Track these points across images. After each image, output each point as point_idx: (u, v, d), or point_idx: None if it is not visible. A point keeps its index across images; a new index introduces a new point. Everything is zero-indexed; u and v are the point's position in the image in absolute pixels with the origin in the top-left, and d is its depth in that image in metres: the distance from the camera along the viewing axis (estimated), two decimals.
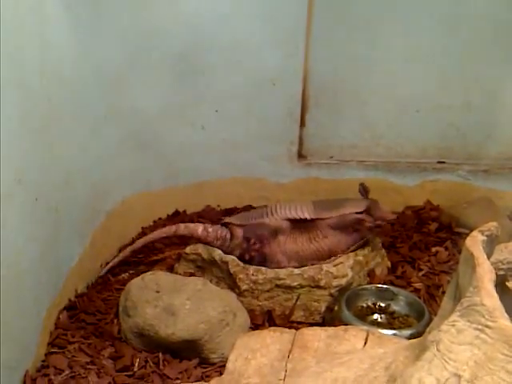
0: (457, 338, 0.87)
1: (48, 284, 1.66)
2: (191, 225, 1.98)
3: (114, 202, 2.11)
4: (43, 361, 1.57)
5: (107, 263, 2.03)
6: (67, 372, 1.53)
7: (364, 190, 1.94)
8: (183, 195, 2.36)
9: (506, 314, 0.84)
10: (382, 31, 2.24)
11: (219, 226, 1.95)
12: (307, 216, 1.86)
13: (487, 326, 0.84)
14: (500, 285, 0.95)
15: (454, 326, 0.88)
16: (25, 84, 1.45)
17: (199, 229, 1.94)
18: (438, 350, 0.88)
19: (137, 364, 1.57)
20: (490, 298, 0.85)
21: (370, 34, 2.24)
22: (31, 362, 1.51)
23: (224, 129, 2.30)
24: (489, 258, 0.96)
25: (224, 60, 2.18)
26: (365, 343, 1.31)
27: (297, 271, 1.79)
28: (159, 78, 2.14)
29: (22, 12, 1.44)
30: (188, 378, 1.53)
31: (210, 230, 1.93)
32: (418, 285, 1.92)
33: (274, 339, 1.36)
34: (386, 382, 0.98)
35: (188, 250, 1.94)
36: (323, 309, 1.78)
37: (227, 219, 1.97)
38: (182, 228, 1.97)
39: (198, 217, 2.35)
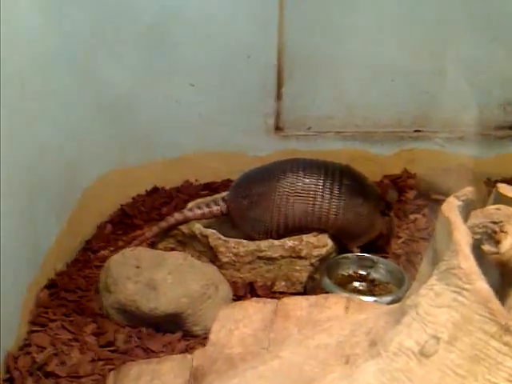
0: (435, 301, 0.88)
1: (27, 263, 1.64)
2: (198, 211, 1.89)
3: (90, 179, 2.09)
4: (25, 339, 1.56)
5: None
6: (49, 349, 1.52)
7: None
8: (161, 171, 2.34)
9: (482, 277, 0.85)
10: (355, 0, 2.22)
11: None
12: None
13: (464, 289, 0.85)
14: (476, 249, 0.96)
15: (432, 289, 0.90)
16: None
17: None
18: (417, 313, 0.89)
19: (120, 339, 1.57)
20: (467, 261, 0.86)
21: (343, 4, 2.22)
22: (13, 340, 1.51)
23: (199, 103, 2.27)
24: (465, 222, 0.97)
25: (197, 33, 2.15)
26: (346, 310, 1.32)
27: (277, 243, 1.80)
28: (131, 51, 2.11)
29: None
30: (172, 350, 1.54)
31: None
32: (397, 252, 1.94)
33: (256, 309, 1.36)
34: (367, 347, 1.00)
35: None
36: (304, 278, 1.79)
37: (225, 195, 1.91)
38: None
39: (177, 192, 2.34)
